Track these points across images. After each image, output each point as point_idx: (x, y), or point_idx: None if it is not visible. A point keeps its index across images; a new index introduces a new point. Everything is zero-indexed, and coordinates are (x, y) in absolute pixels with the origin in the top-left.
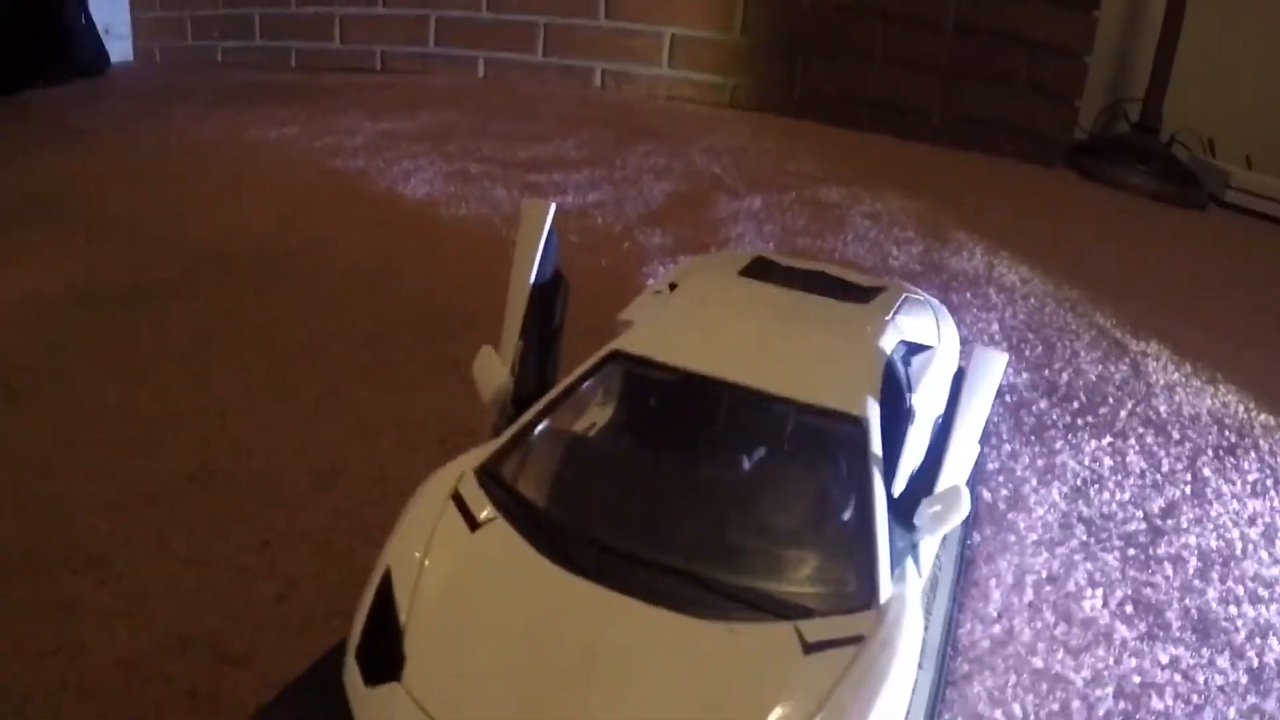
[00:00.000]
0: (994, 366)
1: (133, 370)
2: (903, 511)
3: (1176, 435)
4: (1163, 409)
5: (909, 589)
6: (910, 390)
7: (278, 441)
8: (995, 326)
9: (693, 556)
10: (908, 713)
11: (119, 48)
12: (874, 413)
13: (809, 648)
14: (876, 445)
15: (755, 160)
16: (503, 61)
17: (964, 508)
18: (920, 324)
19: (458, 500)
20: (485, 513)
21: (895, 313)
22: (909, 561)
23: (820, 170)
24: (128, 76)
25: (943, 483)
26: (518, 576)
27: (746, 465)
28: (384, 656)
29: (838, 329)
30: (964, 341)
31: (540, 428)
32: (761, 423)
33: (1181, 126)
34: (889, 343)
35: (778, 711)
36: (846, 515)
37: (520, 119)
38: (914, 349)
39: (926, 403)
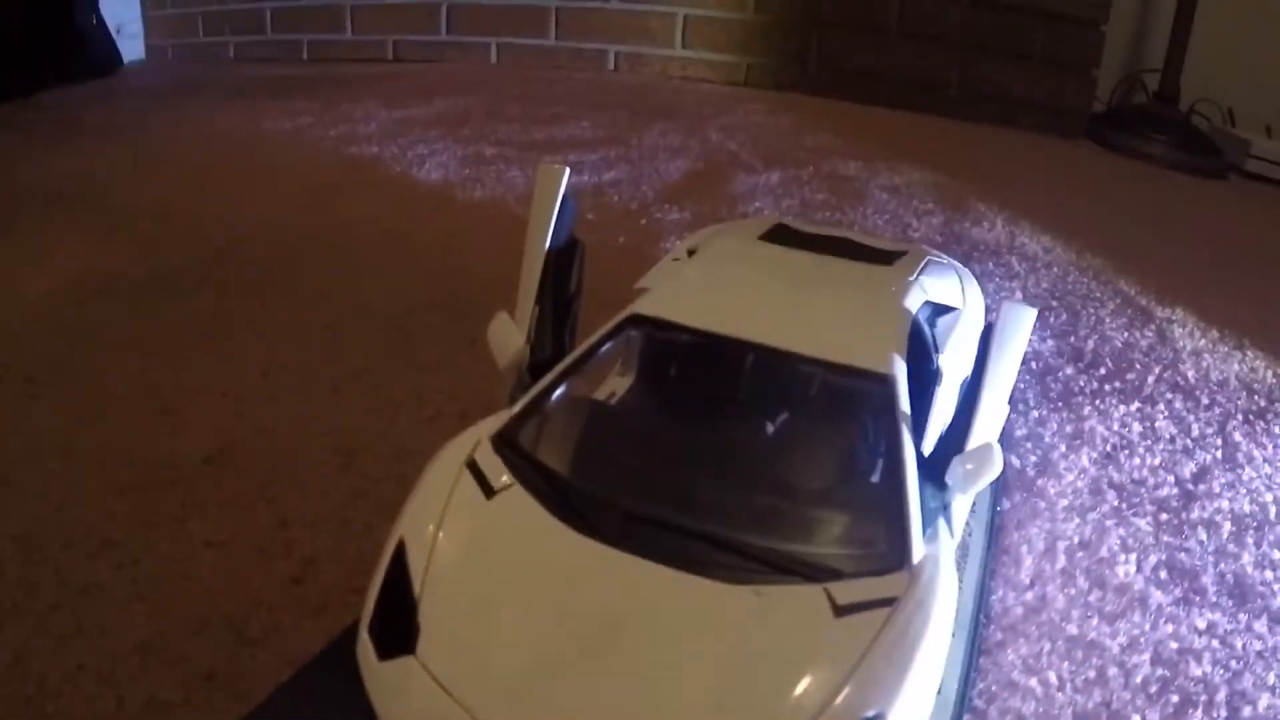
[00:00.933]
0: (1023, 322)
1: (153, 356)
2: (933, 471)
3: (1205, 400)
4: (1190, 374)
5: (942, 550)
6: (937, 351)
7: (297, 422)
8: (1019, 295)
9: (718, 520)
10: (942, 677)
11: (131, 47)
12: (901, 370)
13: (840, 610)
14: (904, 403)
15: (771, 137)
16: (515, 47)
17: (996, 465)
18: (945, 285)
19: (473, 468)
20: (502, 480)
21: (919, 274)
22: (941, 522)
23: (837, 145)
24: (141, 74)
25: (974, 441)
26: (536, 544)
27: (771, 427)
28: (397, 629)
29: (861, 289)
30: (988, 310)
31: (557, 394)
32: (785, 383)
33: (1200, 97)
34: (914, 302)
35: (809, 676)
36: (876, 475)
37: (535, 103)
38: (939, 311)
39: (954, 364)
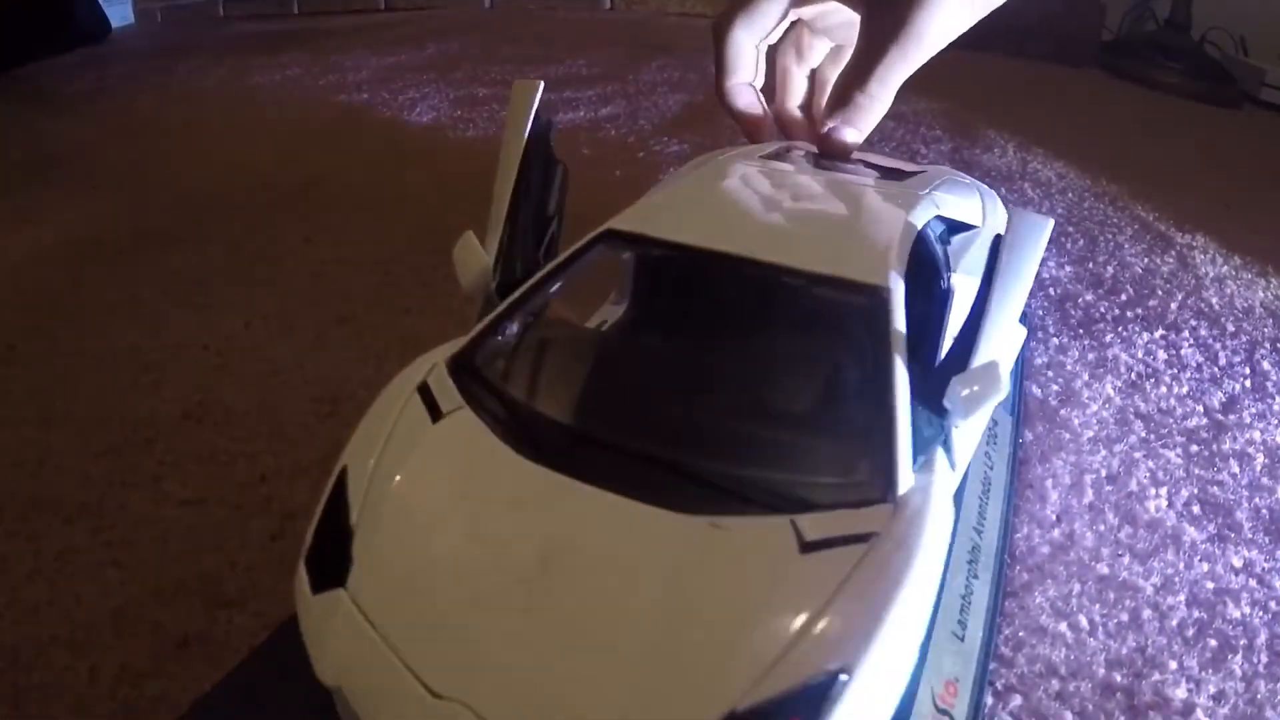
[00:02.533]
0: (1036, 232)
1: (134, 315)
2: (931, 394)
3: (1231, 328)
4: (1214, 301)
5: (936, 482)
6: (949, 269)
7: (279, 373)
8: None
9: (677, 444)
10: (931, 626)
11: (119, 12)
12: (897, 284)
13: (806, 546)
14: (899, 319)
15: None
16: None
17: (1000, 387)
18: (962, 202)
19: (424, 392)
20: (450, 403)
21: (932, 189)
22: (938, 452)
23: None
24: (129, 39)
25: (978, 360)
26: (477, 467)
27: (750, 348)
28: (332, 561)
29: (863, 202)
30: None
31: (521, 315)
32: (769, 301)
33: (1212, 25)
34: (921, 216)
35: (765, 621)
36: (861, 398)
37: (529, 44)
38: (955, 229)
39: (969, 285)
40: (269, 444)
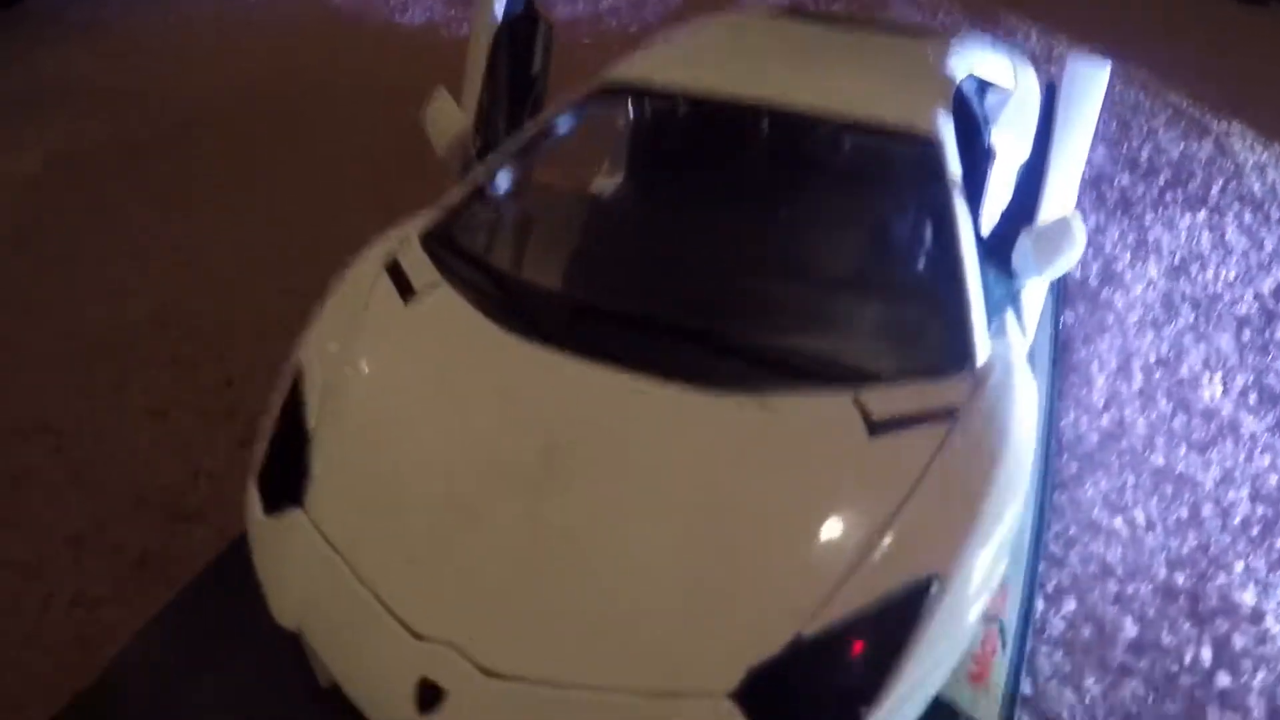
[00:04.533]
0: (1095, 80)
1: (110, 229)
2: (996, 253)
3: (1276, 214)
4: (1256, 187)
5: (1013, 351)
6: (988, 127)
7: (252, 273)
8: None
9: (708, 313)
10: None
11: None
12: (948, 131)
13: (876, 426)
14: (954, 167)
15: None
16: None
17: (1078, 240)
18: (994, 63)
19: (394, 271)
20: (426, 281)
21: (963, 45)
22: (1009, 315)
23: None
24: None
25: (1045, 215)
26: (459, 351)
27: (784, 208)
28: (287, 477)
29: (895, 53)
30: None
31: (506, 181)
32: (802, 155)
33: None
34: (958, 69)
35: (831, 521)
36: (922, 258)
37: None
38: (987, 89)
39: (1007, 145)
40: (238, 345)
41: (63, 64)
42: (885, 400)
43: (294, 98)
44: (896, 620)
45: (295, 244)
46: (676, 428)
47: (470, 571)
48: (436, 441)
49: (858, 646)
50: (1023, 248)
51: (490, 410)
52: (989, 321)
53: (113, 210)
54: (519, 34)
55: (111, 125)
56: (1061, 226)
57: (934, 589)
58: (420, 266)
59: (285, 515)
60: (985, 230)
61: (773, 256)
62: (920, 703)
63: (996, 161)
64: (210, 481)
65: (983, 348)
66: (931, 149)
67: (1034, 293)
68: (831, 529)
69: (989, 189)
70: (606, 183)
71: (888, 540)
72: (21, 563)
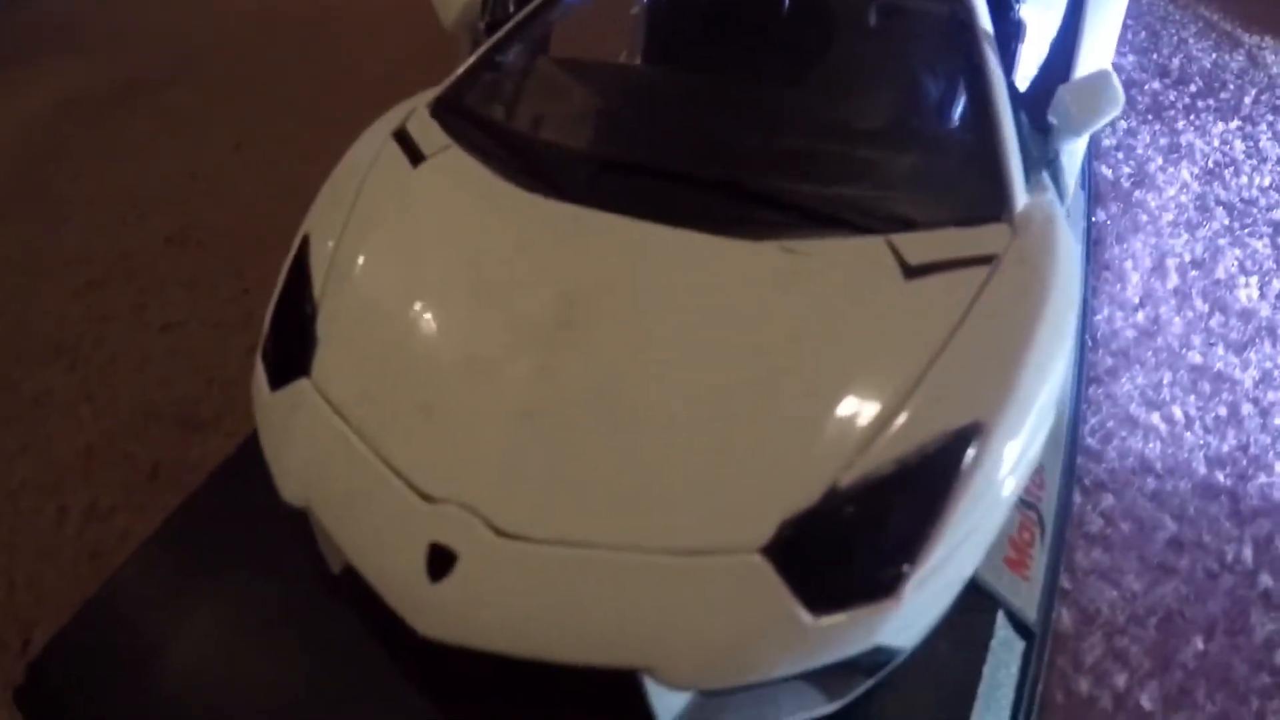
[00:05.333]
0: None
1: (122, 157)
2: (1032, 111)
3: None
4: None
5: (1053, 205)
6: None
7: (266, 191)
8: None
9: (732, 162)
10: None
11: None
12: None
13: (912, 270)
14: (985, 21)
15: None
16: None
17: (1118, 98)
18: None
19: (401, 138)
20: (435, 145)
21: None
22: (1046, 178)
23: None
24: None
25: (1081, 70)
26: (472, 209)
27: (806, 62)
28: (293, 348)
29: None
30: None
31: (520, 48)
32: (829, 12)
33: None
34: None
35: (869, 366)
36: (955, 109)
37: None
38: None
39: (1038, 21)
40: (254, 257)
41: (63, 6)
42: (922, 245)
43: (305, 19)
44: (939, 470)
45: (315, 163)
46: (699, 274)
47: (483, 429)
48: (447, 299)
49: (898, 498)
50: (1059, 103)
51: (503, 265)
52: (1026, 177)
53: (126, 144)
54: None
55: (118, 62)
56: (1099, 79)
57: (976, 439)
58: (430, 132)
59: (292, 387)
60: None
61: (795, 109)
62: (961, 573)
63: (1027, 35)
64: (223, 389)
65: (1020, 197)
66: (962, 6)
67: (1072, 155)
68: (867, 375)
69: (1019, 61)
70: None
71: (927, 386)
72: (36, 482)
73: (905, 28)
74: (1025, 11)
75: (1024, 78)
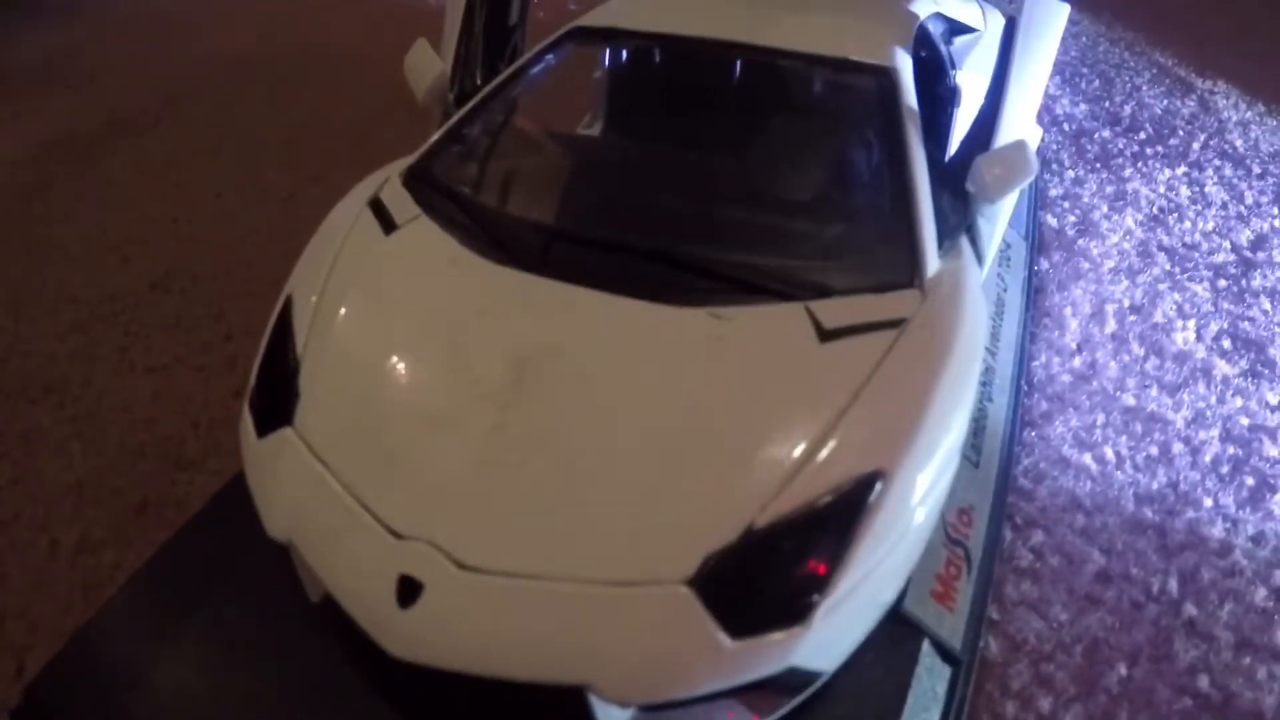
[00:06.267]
0: (1054, 17)
1: (103, 199)
2: (952, 180)
3: (1257, 169)
4: (1239, 144)
5: (965, 270)
6: (954, 67)
7: (247, 239)
8: None
9: (668, 234)
10: (972, 432)
11: None
12: (905, 63)
13: (827, 334)
14: (910, 98)
15: None
16: None
17: (1030, 167)
18: (961, 3)
19: (375, 207)
20: (406, 215)
21: None
22: (964, 242)
23: None
24: None
25: (1001, 139)
26: (437, 277)
27: (741, 136)
28: (278, 399)
29: None
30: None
31: (483, 121)
32: (760, 88)
33: None
34: (922, 7)
35: (786, 417)
36: (876, 179)
37: None
38: (956, 30)
39: (974, 85)
40: (237, 303)
41: (44, 41)
42: (836, 311)
43: (281, 66)
44: (844, 512)
45: (293, 210)
46: (636, 338)
47: (445, 474)
48: (415, 359)
49: (808, 536)
50: (976, 173)
51: (464, 328)
52: (940, 243)
53: (108, 185)
54: None
55: (99, 102)
56: (1014, 150)
57: (879, 484)
58: (401, 202)
59: (276, 435)
60: (953, 152)
61: (731, 182)
62: (876, 601)
63: (963, 100)
64: (209, 431)
65: (932, 263)
66: (886, 78)
67: (990, 219)
68: (782, 427)
69: (954, 126)
70: (589, 134)
71: (835, 438)
72: (29, 516)
73: (837, 99)
74: (961, 76)
75: (958, 140)
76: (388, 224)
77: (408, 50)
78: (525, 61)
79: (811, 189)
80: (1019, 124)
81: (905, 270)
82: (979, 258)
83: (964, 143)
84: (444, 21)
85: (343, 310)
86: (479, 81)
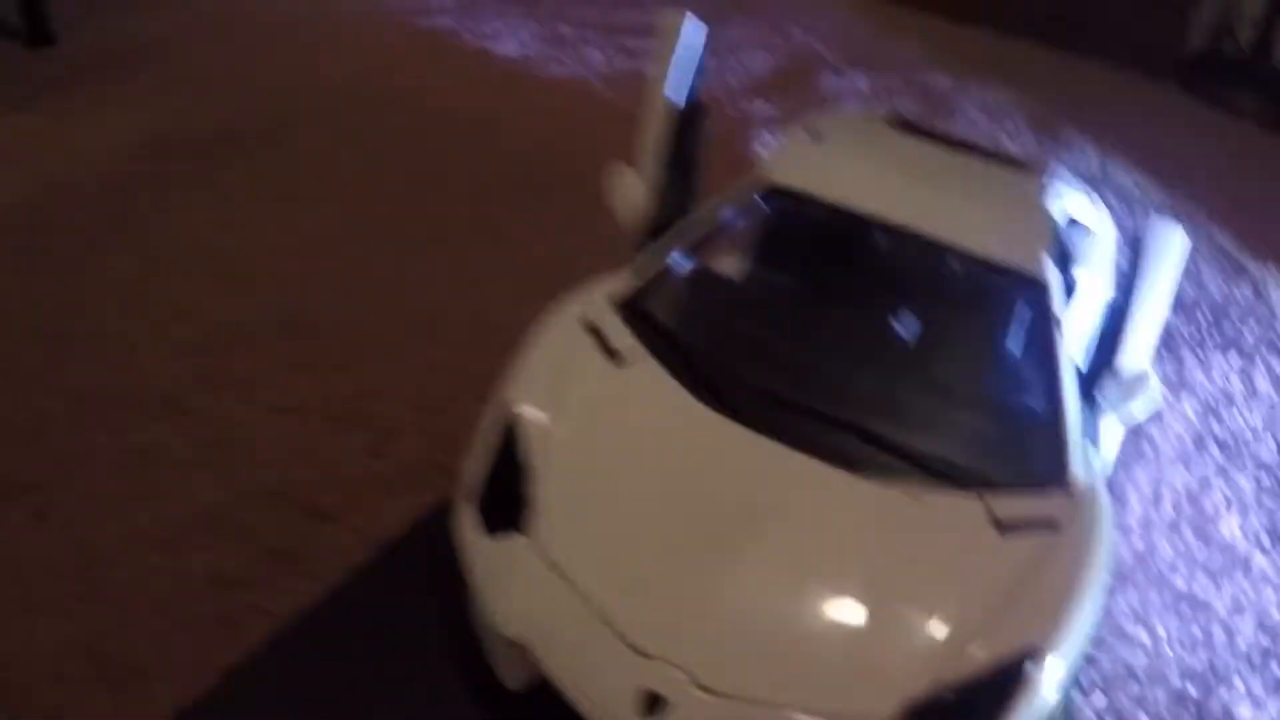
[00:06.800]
0: (1173, 242)
1: (219, 213)
2: (1083, 388)
3: None
4: None
5: (1098, 475)
6: (1073, 263)
7: (372, 288)
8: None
9: (863, 411)
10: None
11: None
12: (1053, 275)
13: (1005, 527)
14: (1060, 309)
15: (855, 40)
16: None
17: (1154, 394)
18: (1079, 203)
19: (594, 332)
20: (627, 345)
21: (1061, 184)
22: (1089, 445)
23: (923, 56)
24: None
25: (1126, 362)
26: (667, 418)
27: (913, 319)
28: (507, 504)
29: (1005, 187)
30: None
31: (685, 261)
32: (931, 274)
33: None
34: (1058, 209)
35: (966, 596)
36: (1028, 382)
37: None
38: (1073, 226)
39: (1089, 282)
40: (362, 359)
41: (145, 30)
42: (1007, 506)
43: (387, 107)
44: (1011, 681)
45: (411, 268)
46: (850, 508)
47: (687, 604)
48: (651, 491)
49: (984, 690)
50: (1107, 387)
51: (696, 472)
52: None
53: (221, 201)
54: (688, 117)
55: (206, 105)
56: (1142, 382)
57: (1032, 659)
58: (618, 332)
59: (508, 539)
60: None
61: (909, 366)
62: None
63: (1077, 295)
64: (345, 485)
65: (1078, 468)
66: (1039, 292)
67: (1112, 431)
68: (967, 599)
69: (1071, 321)
70: (730, 260)
71: (1007, 616)
72: (154, 536)
73: (996, 301)
74: (1077, 270)
75: (1075, 327)
76: (610, 352)
77: (516, 114)
78: (719, 207)
79: (974, 383)
80: (1144, 343)
81: (1056, 470)
82: (1103, 460)
83: (1092, 359)
84: (638, 143)
85: (576, 434)
86: (673, 212)
